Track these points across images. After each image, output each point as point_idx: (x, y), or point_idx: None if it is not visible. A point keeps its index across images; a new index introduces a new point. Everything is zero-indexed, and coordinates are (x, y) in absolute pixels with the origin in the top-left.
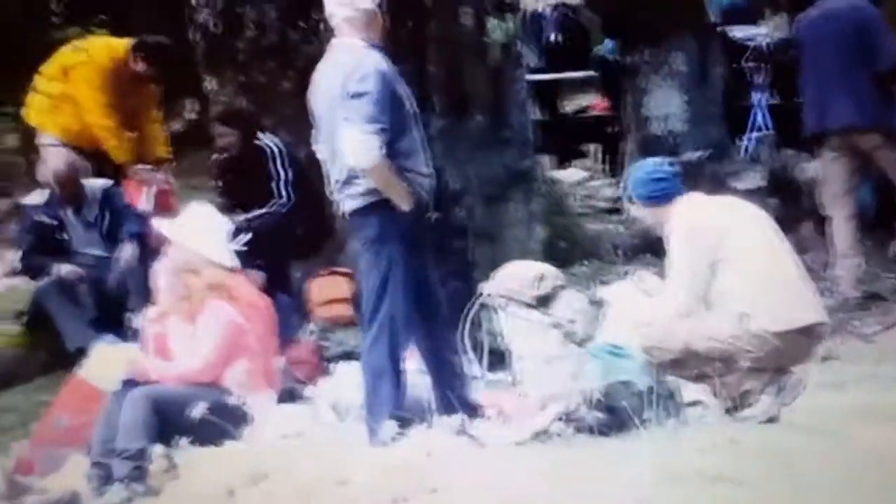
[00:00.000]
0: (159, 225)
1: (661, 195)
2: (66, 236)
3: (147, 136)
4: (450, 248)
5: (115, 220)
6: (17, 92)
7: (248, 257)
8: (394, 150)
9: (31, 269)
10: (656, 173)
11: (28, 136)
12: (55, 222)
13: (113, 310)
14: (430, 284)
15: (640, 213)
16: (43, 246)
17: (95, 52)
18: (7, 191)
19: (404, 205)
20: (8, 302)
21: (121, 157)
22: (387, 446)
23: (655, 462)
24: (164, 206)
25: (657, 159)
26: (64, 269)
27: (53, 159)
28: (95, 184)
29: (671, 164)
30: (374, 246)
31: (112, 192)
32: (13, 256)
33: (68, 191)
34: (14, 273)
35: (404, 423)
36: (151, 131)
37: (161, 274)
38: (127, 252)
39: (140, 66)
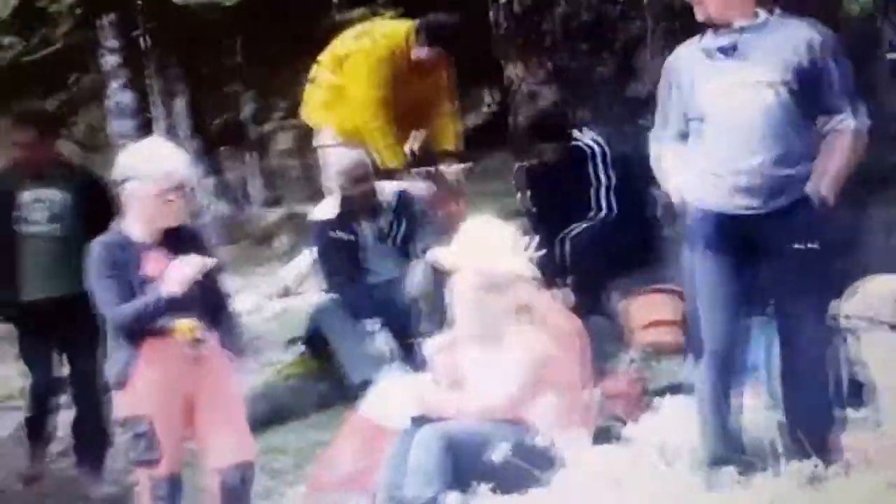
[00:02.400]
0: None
1: None
2: (361, 254)
3: (435, 131)
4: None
5: (410, 231)
6: (293, 85)
7: (558, 274)
8: None
9: (334, 286)
10: None
11: (304, 135)
12: (352, 237)
13: (401, 335)
14: (786, 298)
15: None
16: (342, 268)
17: (377, 38)
18: (278, 199)
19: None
20: (279, 327)
21: (390, 160)
22: (723, 496)
23: None
24: (449, 212)
25: None
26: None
27: (339, 161)
28: (387, 187)
29: None
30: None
31: (408, 197)
32: (285, 273)
33: (361, 197)
34: (286, 294)
35: (744, 468)
36: (440, 125)
37: (458, 294)
38: (418, 270)
39: (424, 53)
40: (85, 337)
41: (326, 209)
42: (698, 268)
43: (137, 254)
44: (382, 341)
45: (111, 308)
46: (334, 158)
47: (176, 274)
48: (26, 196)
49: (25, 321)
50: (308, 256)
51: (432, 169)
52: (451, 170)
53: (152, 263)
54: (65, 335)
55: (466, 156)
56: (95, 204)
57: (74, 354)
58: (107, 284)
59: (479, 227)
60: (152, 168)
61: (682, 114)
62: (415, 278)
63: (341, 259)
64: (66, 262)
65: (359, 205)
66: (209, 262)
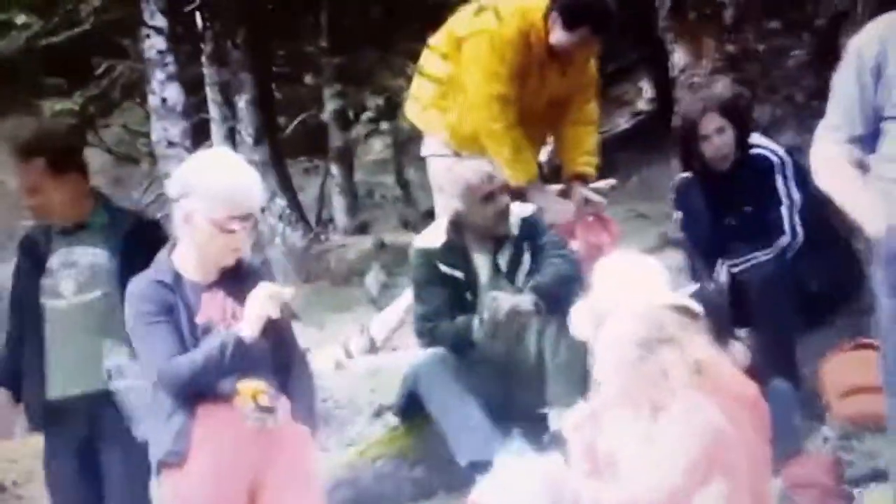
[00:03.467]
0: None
1: None
2: (472, 297)
3: (567, 142)
4: None
5: (536, 268)
6: (391, 77)
7: (727, 324)
8: None
9: (436, 338)
10: None
11: (404, 142)
12: (462, 274)
13: (522, 401)
14: None
15: None
16: (448, 313)
17: (504, 16)
18: (366, 225)
19: None
20: (366, 393)
21: (516, 174)
22: None
23: None
24: (593, 244)
25: None
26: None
27: (460, 175)
28: (512, 210)
29: None
30: None
31: (535, 223)
32: (377, 322)
33: (487, 222)
34: (373, 349)
35: None
36: (575, 136)
37: (611, 346)
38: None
39: (565, 37)
40: (131, 459)
41: (433, 236)
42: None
43: (190, 295)
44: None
45: (162, 361)
46: (454, 172)
47: (247, 311)
48: (54, 260)
49: (51, 427)
50: (406, 300)
51: (566, 187)
52: (590, 188)
53: (209, 307)
54: (100, 448)
55: (608, 169)
56: (146, 261)
57: (115, 480)
58: (155, 332)
59: (621, 264)
60: (217, 188)
61: (871, 110)
62: (543, 329)
63: (446, 302)
64: (101, 346)
65: (476, 232)
66: (287, 293)
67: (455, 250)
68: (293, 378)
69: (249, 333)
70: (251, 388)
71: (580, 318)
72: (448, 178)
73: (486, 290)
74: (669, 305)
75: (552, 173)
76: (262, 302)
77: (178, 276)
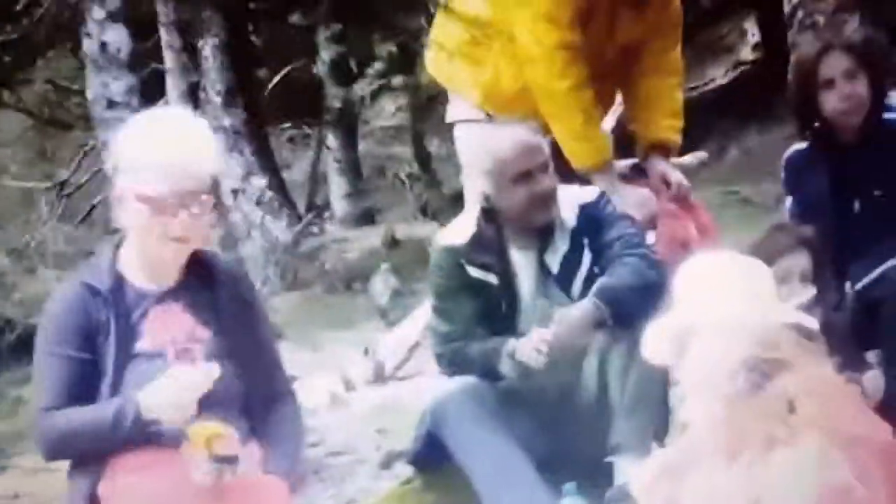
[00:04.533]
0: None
1: None
2: (511, 309)
3: (642, 101)
4: None
5: (600, 268)
6: (404, 18)
7: (854, 347)
8: None
9: (462, 364)
10: None
11: (424, 105)
12: (498, 279)
13: (578, 447)
14: None
15: None
16: (479, 330)
17: None
18: (372, 213)
19: None
20: (372, 434)
21: (585, 157)
22: None
23: None
24: (678, 239)
25: None
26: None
27: (492, 144)
28: (564, 195)
29: None
30: None
31: (600, 212)
32: (388, 343)
33: (526, 209)
34: (381, 377)
35: None
36: (653, 92)
37: (703, 374)
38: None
39: None
40: None
41: (459, 230)
42: None
43: (133, 308)
44: None
45: (41, 407)
46: (482, 141)
47: (164, 395)
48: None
49: None
50: (424, 313)
51: (640, 162)
52: (674, 163)
53: (157, 328)
54: None
55: (698, 138)
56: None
57: None
58: (51, 366)
59: (715, 266)
60: (146, 154)
61: None
62: (607, 355)
63: (476, 315)
64: None
65: (518, 222)
66: (214, 372)
67: (488, 247)
68: (272, 417)
69: (164, 420)
70: (205, 433)
71: (658, 337)
72: (475, 149)
73: (530, 299)
74: (781, 321)
75: (620, 143)
76: (176, 388)
77: (119, 282)
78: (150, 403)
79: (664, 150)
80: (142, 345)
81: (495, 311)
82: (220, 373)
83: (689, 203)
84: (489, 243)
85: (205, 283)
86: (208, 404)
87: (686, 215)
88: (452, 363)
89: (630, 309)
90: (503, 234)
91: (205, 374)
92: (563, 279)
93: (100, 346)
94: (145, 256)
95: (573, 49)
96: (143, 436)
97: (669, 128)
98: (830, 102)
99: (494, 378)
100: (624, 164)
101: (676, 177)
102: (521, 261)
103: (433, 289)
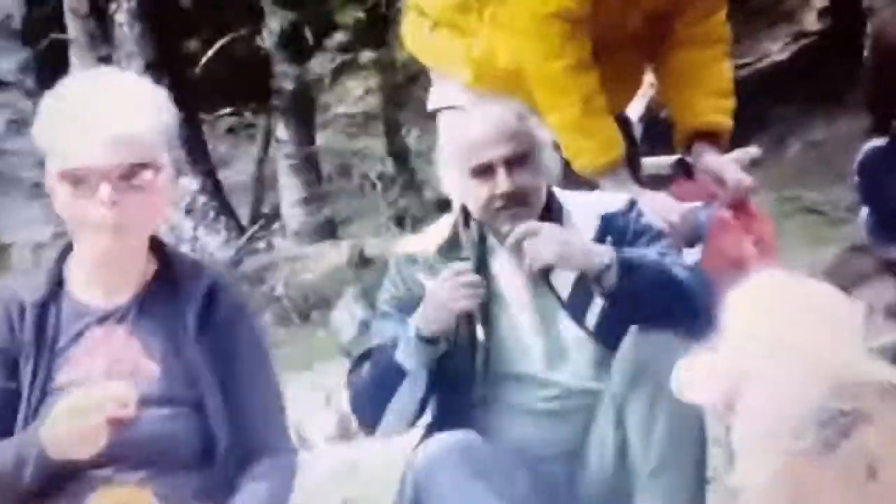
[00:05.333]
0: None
1: None
2: (497, 342)
3: (679, 78)
4: None
5: (626, 300)
6: None
7: None
8: None
9: (354, 386)
10: None
11: (398, 88)
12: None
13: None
14: None
15: None
16: (456, 370)
17: None
18: (334, 224)
19: None
20: (336, 501)
21: (588, 156)
22: None
23: None
24: (730, 256)
25: None
26: None
27: (453, 125)
28: (574, 202)
29: None
30: None
31: (627, 222)
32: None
33: (503, 206)
34: (347, 432)
35: None
36: (692, 66)
37: (765, 425)
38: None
39: None
40: None
41: (430, 237)
42: None
43: (66, 329)
44: None
45: None
46: (451, 122)
47: (65, 425)
48: None
49: None
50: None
51: (682, 159)
52: (723, 160)
53: (85, 356)
54: None
55: (749, 130)
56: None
57: None
58: None
59: (774, 290)
60: (67, 118)
61: None
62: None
63: (458, 350)
64: None
65: (499, 224)
66: (127, 393)
67: (463, 260)
68: (245, 479)
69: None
70: (112, 499)
71: (698, 374)
72: (447, 133)
73: (524, 332)
74: (863, 369)
75: (654, 132)
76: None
77: (55, 293)
78: (53, 438)
79: (711, 137)
80: (62, 377)
81: (462, 348)
82: (151, 409)
83: (746, 209)
84: (466, 255)
85: (172, 300)
86: (143, 458)
87: (741, 226)
88: (350, 386)
89: (643, 295)
90: (486, 246)
91: (115, 392)
92: (576, 306)
93: (21, 373)
94: (84, 260)
95: (573, 21)
96: (62, 481)
97: (715, 109)
98: None
99: (392, 387)
100: (663, 161)
101: (733, 172)
102: (513, 283)
103: (379, 305)
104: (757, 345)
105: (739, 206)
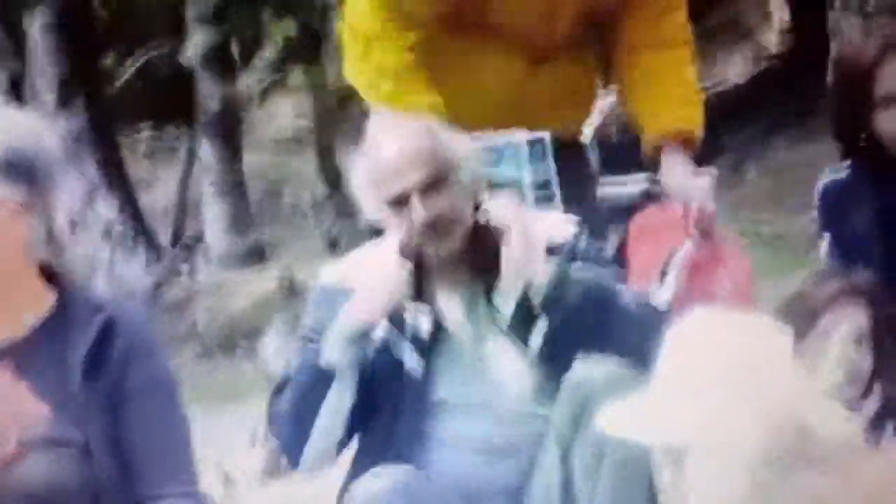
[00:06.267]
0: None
1: None
2: (433, 377)
3: (638, 82)
4: None
5: (574, 329)
6: None
7: None
8: None
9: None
10: None
11: (329, 103)
12: (394, 336)
13: None
14: None
15: None
16: (397, 407)
17: None
18: (261, 249)
19: None
20: None
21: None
22: None
23: None
24: (702, 289)
25: None
26: None
27: (366, 152)
28: (514, 220)
29: None
30: None
31: (576, 247)
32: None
33: (433, 234)
34: (275, 470)
35: None
36: (651, 69)
37: (714, 468)
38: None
39: None
40: None
41: (348, 267)
42: None
43: None
44: None
45: None
46: (365, 147)
47: None
48: None
49: None
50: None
51: (649, 171)
52: (692, 181)
53: None
54: None
55: (708, 153)
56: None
57: None
58: None
59: (705, 331)
60: None
61: None
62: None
63: (395, 386)
64: None
65: (427, 249)
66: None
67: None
68: None
69: None
70: None
71: (638, 415)
72: (359, 163)
73: (458, 353)
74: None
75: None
76: None
77: None
78: None
79: (687, 143)
80: None
81: (391, 375)
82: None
83: (718, 251)
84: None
85: (63, 337)
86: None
87: (714, 267)
88: (271, 415)
89: (580, 311)
90: (423, 268)
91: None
92: (518, 329)
93: None
94: None
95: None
96: None
97: (684, 117)
98: (890, 124)
99: (317, 400)
100: (627, 181)
101: (700, 194)
102: (450, 304)
103: (303, 329)
104: (696, 386)
105: (712, 246)
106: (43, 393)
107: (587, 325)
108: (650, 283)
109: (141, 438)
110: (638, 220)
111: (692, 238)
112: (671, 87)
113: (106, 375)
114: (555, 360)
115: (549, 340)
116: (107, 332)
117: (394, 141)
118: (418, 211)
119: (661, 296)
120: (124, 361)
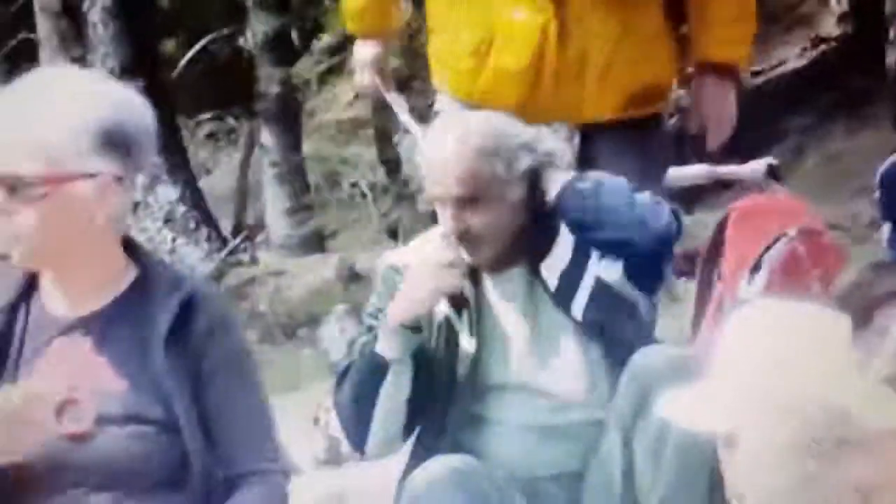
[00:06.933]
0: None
1: None
2: (468, 345)
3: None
4: None
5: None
6: None
7: None
8: None
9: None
10: None
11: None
12: (456, 315)
13: None
14: None
15: None
16: (440, 389)
17: None
18: (321, 236)
19: None
20: None
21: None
22: None
23: None
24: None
25: None
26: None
27: (428, 150)
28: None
29: None
30: None
31: (587, 195)
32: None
33: (469, 241)
34: (336, 456)
35: None
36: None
37: (762, 454)
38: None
39: None
40: None
41: (419, 246)
42: None
43: (28, 339)
44: None
45: None
46: (427, 142)
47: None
48: None
49: None
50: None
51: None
52: (732, 173)
53: (47, 369)
54: None
55: (764, 140)
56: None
57: None
58: None
59: (764, 320)
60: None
61: None
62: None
63: (450, 371)
64: None
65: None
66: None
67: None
68: None
69: None
70: None
71: (696, 403)
72: (421, 149)
73: (508, 336)
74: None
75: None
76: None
77: (27, 297)
78: None
79: (723, 70)
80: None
81: (443, 360)
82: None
83: (819, 242)
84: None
85: (145, 312)
86: (108, 479)
87: (811, 259)
88: (336, 403)
89: (606, 223)
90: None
91: (33, 394)
92: (563, 296)
93: None
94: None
95: None
96: None
97: (728, 38)
98: None
99: (376, 386)
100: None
101: (722, 112)
102: (503, 286)
103: (364, 316)
104: (749, 374)
105: (813, 237)
106: (121, 368)
107: (604, 222)
108: (744, 272)
109: (228, 415)
110: (740, 205)
111: (794, 233)
112: (723, 6)
113: (189, 353)
114: (596, 326)
115: (590, 304)
116: (188, 309)
117: (446, 146)
118: (448, 223)
119: (750, 290)
120: (208, 337)
